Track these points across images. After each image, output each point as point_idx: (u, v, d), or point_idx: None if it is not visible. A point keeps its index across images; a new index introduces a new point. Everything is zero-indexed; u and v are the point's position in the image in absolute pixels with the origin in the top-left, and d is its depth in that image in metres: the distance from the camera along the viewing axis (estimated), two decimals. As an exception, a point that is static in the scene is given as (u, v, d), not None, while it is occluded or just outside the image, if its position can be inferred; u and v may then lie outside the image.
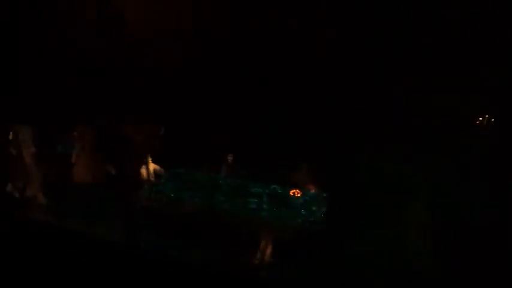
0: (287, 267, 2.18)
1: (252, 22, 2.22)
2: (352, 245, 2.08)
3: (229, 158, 2.72)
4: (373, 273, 1.85)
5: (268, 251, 2.28)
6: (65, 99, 2.73)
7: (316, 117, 2.20)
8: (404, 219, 2.04)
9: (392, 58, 1.89)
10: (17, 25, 2.72)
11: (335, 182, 2.38)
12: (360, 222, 2.17)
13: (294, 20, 2.18)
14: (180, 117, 2.59)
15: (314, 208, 2.44)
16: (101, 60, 2.57)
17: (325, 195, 2.43)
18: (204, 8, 2.36)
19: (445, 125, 1.91)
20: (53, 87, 2.75)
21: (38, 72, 2.75)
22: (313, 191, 2.61)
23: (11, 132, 2.56)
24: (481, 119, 1.96)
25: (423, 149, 1.99)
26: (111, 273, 1.85)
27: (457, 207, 1.78)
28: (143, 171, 2.61)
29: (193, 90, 2.48)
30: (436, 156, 1.91)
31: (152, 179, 2.65)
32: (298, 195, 2.52)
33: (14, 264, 1.89)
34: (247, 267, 2.17)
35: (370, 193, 2.19)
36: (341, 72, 2.05)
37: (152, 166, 2.66)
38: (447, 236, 1.76)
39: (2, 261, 1.89)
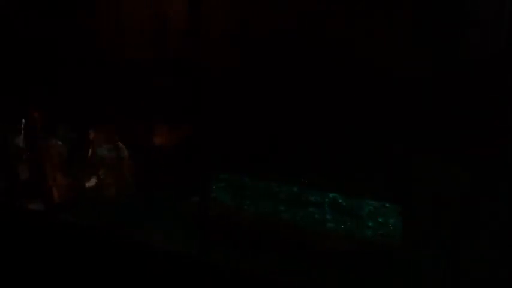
0: (358, 283, 1.95)
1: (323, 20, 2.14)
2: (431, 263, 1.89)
3: (283, 162, 2.54)
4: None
5: (338, 265, 2.05)
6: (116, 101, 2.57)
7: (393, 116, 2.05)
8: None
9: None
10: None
11: (412, 192, 2.22)
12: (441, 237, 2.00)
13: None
14: (232, 118, 2.43)
15: (381, 220, 2.25)
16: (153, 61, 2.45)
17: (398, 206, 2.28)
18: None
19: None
20: (104, 89, 2.60)
21: (88, 73, 2.61)
22: (378, 201, 2.42)
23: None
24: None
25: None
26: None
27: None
28: (193, 176, 2.40)
29: (248, 89, 2.35)
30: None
31: (202, 185, 2.44)
32: (367, 206, 2.33)
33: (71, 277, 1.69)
34: (317, 282, 1.92)
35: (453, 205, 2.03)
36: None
37: (201, 171, 2.46)
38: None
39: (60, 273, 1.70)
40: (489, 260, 1.82)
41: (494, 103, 1.83)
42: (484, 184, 1.99)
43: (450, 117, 2.13)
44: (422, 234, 2.18)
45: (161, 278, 1.92)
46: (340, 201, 2.41)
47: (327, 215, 2.26)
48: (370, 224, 2.20)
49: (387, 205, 2.41)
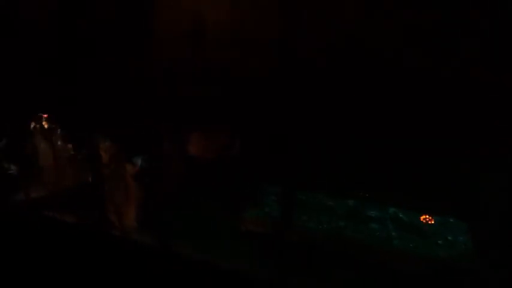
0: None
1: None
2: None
3: (338, 174, 2.37)
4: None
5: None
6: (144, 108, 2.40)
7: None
8: None
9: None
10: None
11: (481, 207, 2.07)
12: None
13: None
14: (286, 126, 2.28)
15: (450, 238, 2.09)
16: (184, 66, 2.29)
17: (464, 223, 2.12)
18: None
19: None
20: (131, 95, 2.43)
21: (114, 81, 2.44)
22: (441, 216, 2.26)
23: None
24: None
25: None
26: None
27: None
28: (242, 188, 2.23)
29: (311, 99, 2.19)
30: None
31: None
32: (431, 222, 2.16)
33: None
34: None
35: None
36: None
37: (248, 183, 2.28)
38: None
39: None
40: None
41: None
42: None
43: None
44: (497, 252, 2.01)
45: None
46: (400, 216, 2.25)
47: (392, 232, 2.10)
48: (439, 241, 2.04)
49: (451, 220, 2.26)
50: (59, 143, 2.37)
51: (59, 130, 2.36)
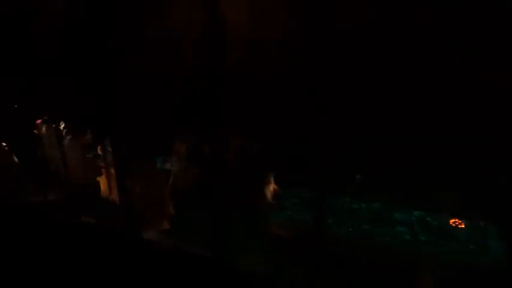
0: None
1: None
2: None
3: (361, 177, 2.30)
4: None
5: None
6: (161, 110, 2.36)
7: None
8: None
9: None
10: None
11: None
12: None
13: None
14: (306, 128, 2.21)
15: (481, 242, 2.01)
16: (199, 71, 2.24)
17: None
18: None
19: None
20: (147, 98, 2.39)
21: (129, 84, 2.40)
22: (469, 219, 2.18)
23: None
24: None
25: None
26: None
27: None
28: (264, 191, 2.16)
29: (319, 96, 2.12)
30: None
31: (273, 201, 2.19)
32: (461, 226, 2.08)
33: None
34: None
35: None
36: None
37: (272, 186, 2.22)
38: None
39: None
40: None
41: None
42: None
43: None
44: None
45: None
46: (427, 219, 2.17)
47: (421, 236, 2.02)
48: (472, 246, 1.96)
49: (482, 224, 2.17)
50: (76, 144, 2.33)
51: (76, 132, 2.33)
